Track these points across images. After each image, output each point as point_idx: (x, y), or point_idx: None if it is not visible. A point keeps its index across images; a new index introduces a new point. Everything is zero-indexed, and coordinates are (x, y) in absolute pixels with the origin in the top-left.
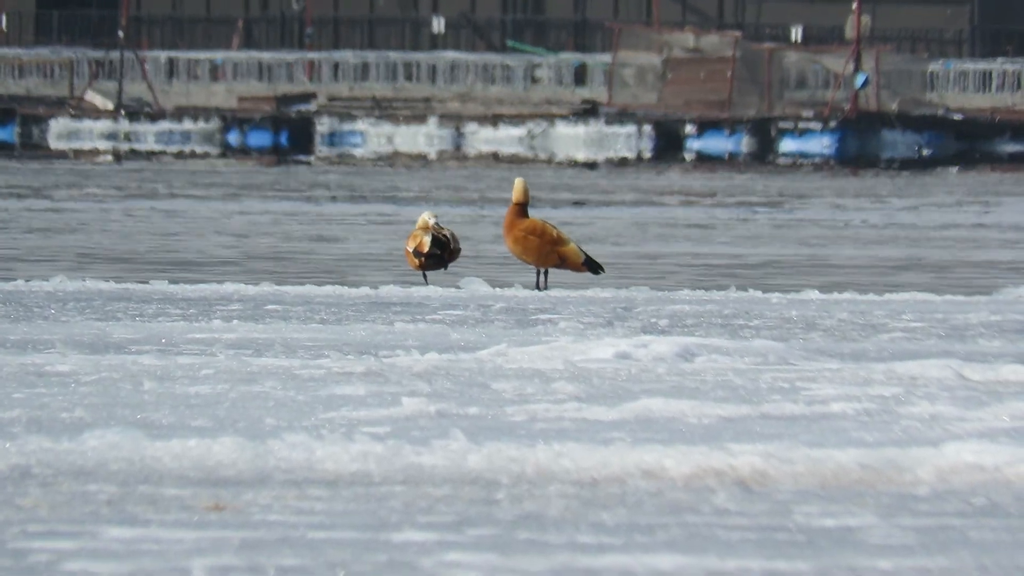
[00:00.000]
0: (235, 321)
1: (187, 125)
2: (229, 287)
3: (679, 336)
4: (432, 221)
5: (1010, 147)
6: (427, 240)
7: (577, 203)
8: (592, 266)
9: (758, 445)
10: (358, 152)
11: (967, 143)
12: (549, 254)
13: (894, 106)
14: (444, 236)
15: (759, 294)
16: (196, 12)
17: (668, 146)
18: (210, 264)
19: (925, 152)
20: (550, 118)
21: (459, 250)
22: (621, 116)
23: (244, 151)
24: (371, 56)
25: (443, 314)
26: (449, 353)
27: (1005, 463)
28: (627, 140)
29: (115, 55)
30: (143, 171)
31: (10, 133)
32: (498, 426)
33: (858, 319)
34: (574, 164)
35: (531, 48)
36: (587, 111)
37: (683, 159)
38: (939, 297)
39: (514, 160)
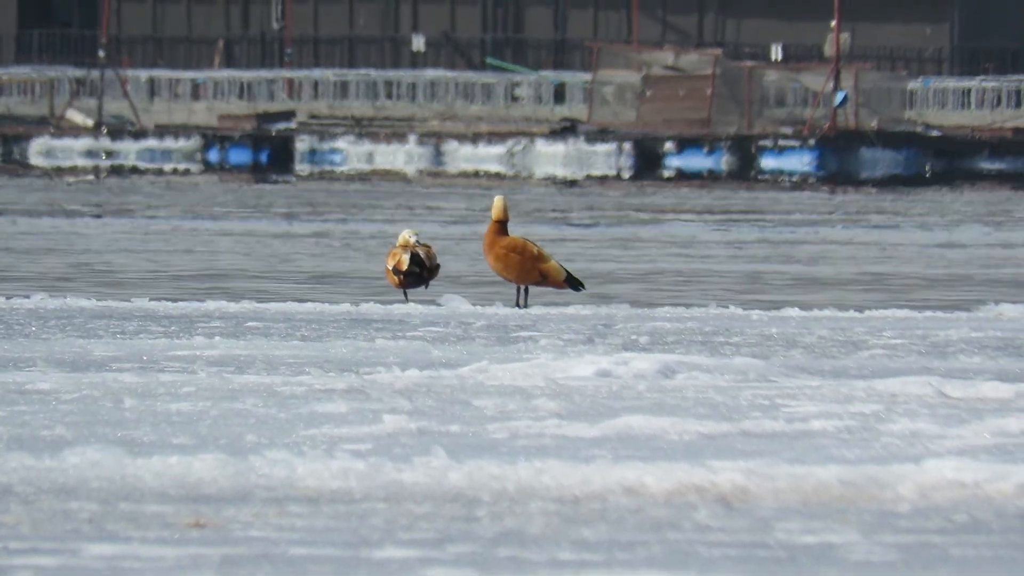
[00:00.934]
0: (216, 338)
1: (168, 143)
2: (210, 304)
3: (660, 353)
4: (413, 239)
5: (989, 164)
6: (406, 258)
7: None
8: (573, 283)
9: (739, 462)
10: (338, 170)
11: (946, 160)
12: (530, 271)
13: (873, 124)
14: (422, 254)
15: (739, 311)
16: (177, 31)
17: (648, 164)
18: (190, 279)
19: (928, 169)
20: (530, 136)
21: (438, 267)
22: (601, 134)
23: (224, 169)
24: (351, 74)
25: (424, 331)
26: (430, 370)
27: (985, 480)
28: (607, 158)
29: (96, 74)
30: (123, 188)
31: None
32: (479, 443)
33: (839, 336)
34: (554, 182)
35: (511, 66)
36: (566, 129)
37: (663, 176)
38: (919, 314)
39: (494, 177)
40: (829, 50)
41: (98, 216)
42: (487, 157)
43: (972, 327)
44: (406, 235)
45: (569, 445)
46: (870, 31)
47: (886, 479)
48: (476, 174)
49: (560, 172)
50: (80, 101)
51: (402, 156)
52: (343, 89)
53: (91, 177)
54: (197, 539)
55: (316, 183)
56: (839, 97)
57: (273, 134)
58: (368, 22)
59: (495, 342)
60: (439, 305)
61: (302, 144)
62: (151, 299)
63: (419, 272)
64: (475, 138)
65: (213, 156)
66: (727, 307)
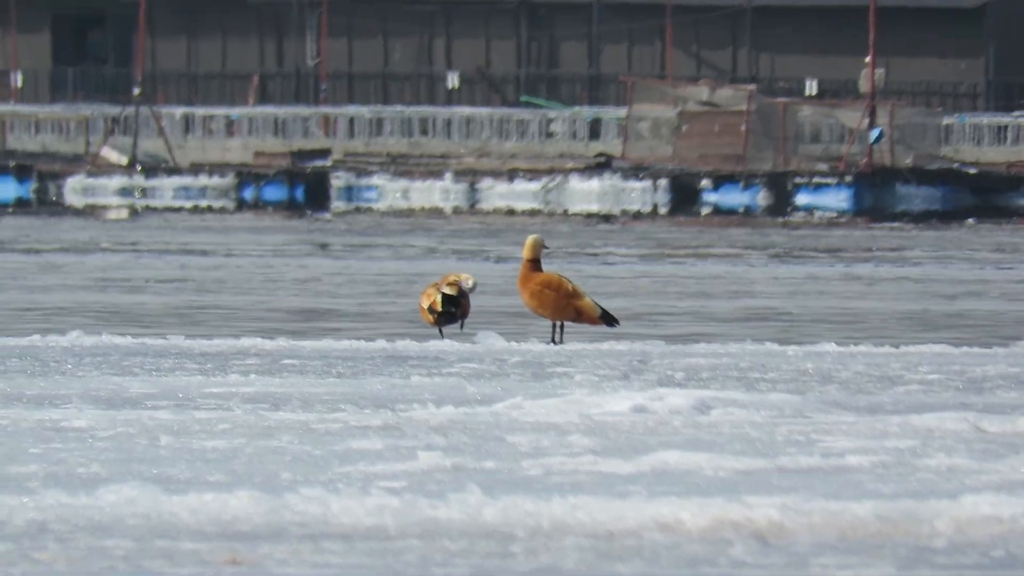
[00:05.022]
0: (252, 375)
1: (203, 180)
2: (246, 341)
3: (695, 389)
4: (468, 284)
5: None
6: (439, 299)
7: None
8: (608, 319)
9: (775, 497)
10: (374, 206)
11: (982, 197)
12: (565, 308)
13: (909, 160)
14: (454, 291)
15: (775, 347)
16: (211, 68)
17: (683, 200)
18: (227, 318)
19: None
20: (565, 172)
21: (470, 307)
22: (636, 170)
23: (259, 206)
24: (386, 111)
25: (459, 367)
26: (465, 406)
27: (1023, 515)
28: (642, 194)
29: (130, 111)
30: (159, 226)
31: (27, 189)
32: (514, 479)
33: (874, 371)
34: (589, 217)
35: (545, 102)
36: (601, 165)
37: (699, 212)
38: (956, 349)
39: (529, 214)
40: (864, 86)
41: (133, 253)
42: (522, 194)
43: (1009, 362)
44: (454, 277)
45: (604, 481)
46: (905, 66)
47: (922, 514)
48: (511, 211)
49: (595, 208)
50: (115, 139)
51: (438, 193)
52: (378, 126)
53: (125, 214)
54: None
55: (352, 219)
56: (874, 134)
57: (308, 171)
58: (403, 58)
59: (530, 378)
60: (474, 342)
61: (337, 181)
62: (186, 337)
63: (454, 312)
64: (510, 175)
65: (248, 193)
66: (763, 343)
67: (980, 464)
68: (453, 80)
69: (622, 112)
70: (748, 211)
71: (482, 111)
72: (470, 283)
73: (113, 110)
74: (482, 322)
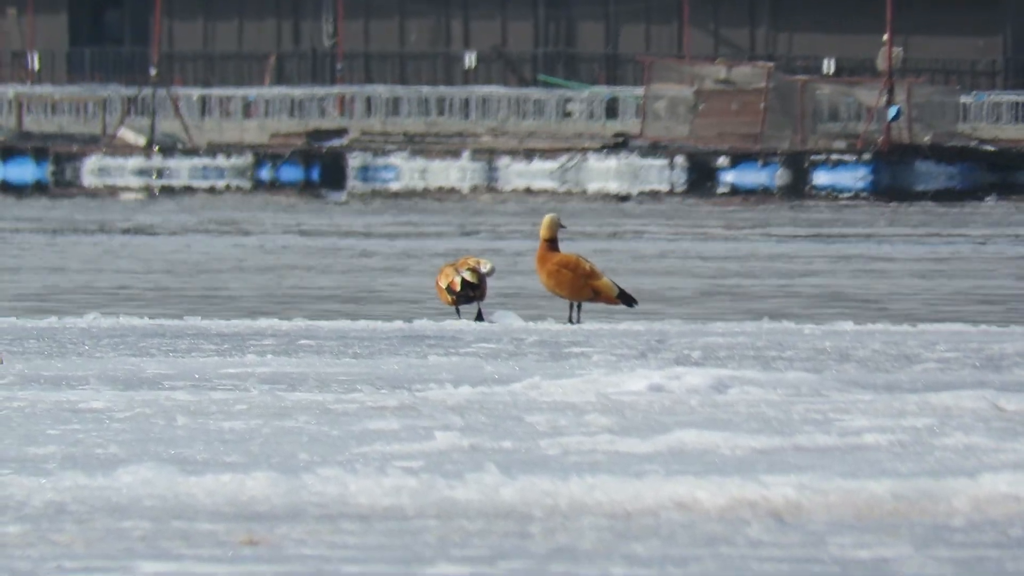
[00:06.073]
0: (268, 356)
1: (220, 161)
2: (263, 322)
3: (712, 368)
4: (486, 268)
5: None
6: (458, 280)
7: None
8: (626, 299)
9: (792, 476)
10: (392, 186)
11: (1000, 174)
12: (583, 288)
13: (926, 138)
14: (473, 278)
15: (792, 325)
16: (228, 48)
17: (701, 178)
18: (243, 299)
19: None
20: (582, 151)
21: (487, 291)
22: (653, 149)
23: (275, 186)
24: (403, 91)
25: (476, 347)
26: (482, 386)
27: None
28: (660, 173)
29: (147, 92)
30: (176, 207)
31: (44, 171)
32: (531, 459)
33: (892, 350)
34: (607, 197)
35: (563, 82)
36: (619, 144)
37: (716, 191)
38: (974, 327)
39: (547, 193)
40: (881, 64)
41: (149, 233)
42: (540, 173)
43: None
44: (474, 261)
45: (621, 460)
46: (922, 44)
47: (940, 493)
48: (528, 190)
49: (613, 187)
50: (132, 120)
51: (455, 172)
52: (395, 106)
53: (143, 195)
54: (250, 556)
55: (369, 200)
56: (892, 112)
57: (324, 151)
58: (419, 38)
59: (547, 358)
60: (492, 322)
61: (354, 161)
62: (203, 317)
63: (472, 295)
64: (528, 154)
65: (264, 174)
66: (780, 322)
67: (998, 443)
68: (470, 60)
69: (639, 91)
70: (765, 190)
71: (499, 90)
72: (487, 267)
73: (130, 91)
74: (499, 303)
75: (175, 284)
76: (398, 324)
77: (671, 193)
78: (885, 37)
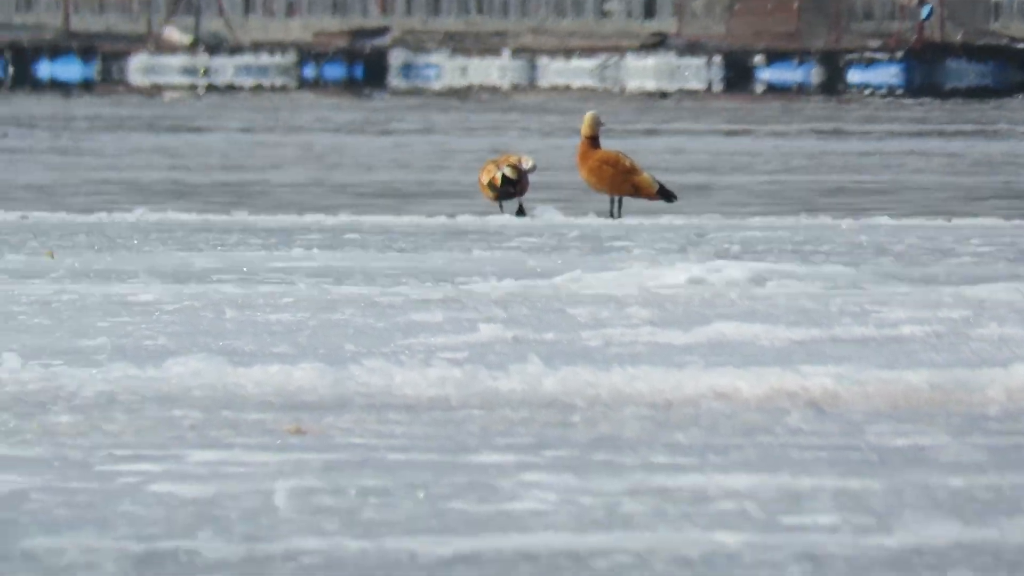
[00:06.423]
0: (315, 250)
1: (264, 59)
2: (308, 218)
3: (751, 262)
4: (527, 165)
5: None
6: (499, 176)
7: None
8: (665, 194)
9: (830, 367)
10: (433, 85)
11: None
12: (623, 183)
13: (958, 37)
14: (513, 174)
15: (829, 220)
16: None
17: (737, 77)
18: (289, 194)
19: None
20: (620, 51)
21: (528, 186)
22: (691, 47)
23: (319, 84)
24: None
25: (519, 242)
26: (525, 280)
27: None
28: (697, 71)
29: None
30: (221, 104)
31: (91, 70)
32: (573, 351)
33: (927, 244)
34: (645, 95)
35: None
36: (657, 43)
37: (752, 90)
38: (1008, 222)
39: (586, 91)
40: None
41: (195, 131)
42: (579, 71)
43: None
44: (514, 158)
45: (662, 352)
46: None
47: (975, 383)
48: (568, 88)
49: (651, 86)
50: (177, 18)
51: (496, 71)
52: (435, 5)
53: (188, 93)
54: (298, 445)
55: (410, 98)
56: (925, 11)
57: (368, 50)
58: None
59: (589, 252)
60: (534, 217)
61: (396, 59)
62: (250, 213)
63: (512, 191)
64: (567, 53)
65: (308, 72)
66: (817, 216)
67: None
68: None
69: None
70: (801, 88)
71: None
72: (529, 163)
73: None
74: (540, 198)
75: (222, 179)
76: (442, 219)
77: (708, 92)
78: None
